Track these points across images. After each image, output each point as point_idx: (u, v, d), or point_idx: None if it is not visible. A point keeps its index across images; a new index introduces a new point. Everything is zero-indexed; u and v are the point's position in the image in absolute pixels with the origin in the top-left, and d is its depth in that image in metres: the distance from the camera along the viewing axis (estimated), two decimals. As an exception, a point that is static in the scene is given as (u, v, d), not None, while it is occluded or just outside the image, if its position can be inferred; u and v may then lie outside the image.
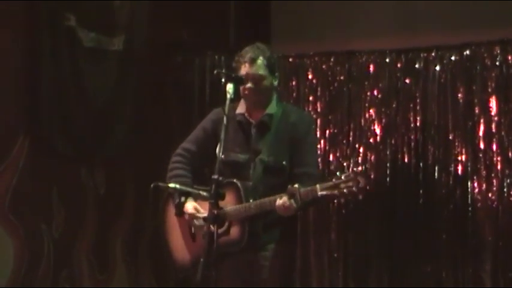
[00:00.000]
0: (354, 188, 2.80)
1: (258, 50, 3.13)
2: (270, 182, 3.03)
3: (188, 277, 3.16)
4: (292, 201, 2.89)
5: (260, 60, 3.09)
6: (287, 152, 3.10)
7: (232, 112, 3.16)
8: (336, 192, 2.83)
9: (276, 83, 3.17)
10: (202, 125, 3.28)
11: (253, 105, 3.15)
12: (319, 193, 2.85)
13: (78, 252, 4.40)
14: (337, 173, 2.86)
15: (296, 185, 2.90)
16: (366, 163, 4.56)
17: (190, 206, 3.12)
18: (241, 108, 3.19)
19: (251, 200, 3.01)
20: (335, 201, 4.63)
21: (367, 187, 2.80)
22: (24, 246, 4.11)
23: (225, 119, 2.92)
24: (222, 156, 2.88)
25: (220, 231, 2.97)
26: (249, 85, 3.09)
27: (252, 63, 3.08)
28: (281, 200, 2.92)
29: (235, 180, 3.05)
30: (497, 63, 4.29)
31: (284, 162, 3.08)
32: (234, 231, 3.03)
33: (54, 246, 4.25)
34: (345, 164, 4.57)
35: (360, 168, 2.96)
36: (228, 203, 3.02)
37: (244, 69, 3.10)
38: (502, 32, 4.29)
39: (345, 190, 2.81)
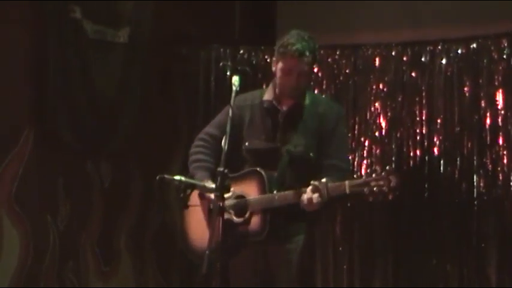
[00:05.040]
0: (384, 188, 2.71)
1: (305, 42, 2.95)
2: (296, 173, 2.94)
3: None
4: (316, 195, 2.80)
5: (308, 56, 2.93)
6: (315, 143, 2.99)
7: (259, 99, 3.07)
8: (365, 190, 2.73)
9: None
10: (227, 109, 3.09)
11: (287, 96, 3.04)
12: (348, 190, 2.76)
13: (84, 244, 4.41)
14: (368, 171, 2.78)
15: (324, 180, 2.80)
16: (371, 156, 4.55)
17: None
18: (268, 95, 3.07)
19: (275, 191, 2.92)
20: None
21: (398, 188, 2.67)
22: (29, 238, 4.12)
23: (230, 111, 2.88)
24: (247, 144, 2.79)
25: (240, 220, 2.95)
26: (293, 80, 2.95)
27: (300, 57, 2.92)
28: (306, 195, 2.81)
29: (259, 169, 2.95)
30: (504, 56, 4.27)
31: (311, 154, 2.98)
32: (255, 221, 2.94)
33: (59, 238, 4.25)
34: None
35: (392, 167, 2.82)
36: (251, 192, 2.95)
37: (289, 62, 2.94)
38: (509, 25, 4.26)
39: (375, 189, 2.71)
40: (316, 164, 2.98)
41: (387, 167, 2.78)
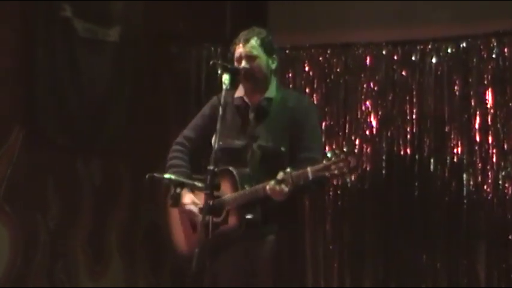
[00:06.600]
0: (345, 169, 2.76)
1: (253, 31, 3.11)
2: (268, 168, 2.96)
3: (188, 267, 3.11)
4: (282, 186, 2.84)
5: (254, 40, 3.07)
6: (286, 137, 3.04)
7: (231, 97, 3.12)
8: (327, 174, 2.79)
9: (273, 66, 3.12)
10: (201, 112, 3.25)
11: (250, 87, 3.10)
12: (311, 176, 2.81)
13: (74, 243, 4.40)
14: (328, 155, 2.81)
15: (288, 169, 2.85)
16: (362, 155, 4.56)
17: (187, 198, 3.08)
18: (239, 92, 3.13)
19: (246, 187, 2.97)
20: (330, 193, 4.65)
21: (359, 167, 2.75)
22: (19, 237, 4.11)
23: (220, 109, 2.91)
24: (220, 143, 2.84)
25: (218, 220, 2.97)
26: (243, 65, 3.06)
27: (246, 43, 3.07)
28: (269, 185, 2.87)
29: (230, 168, 3.00)
30: (494, 55, 4.29)
31: (283, 148, 3.02)
32: (232, 219, 2.99)
33: (49, 237, 4.24)
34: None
35: (349, 147, 2.88)
36: (225, 191, 2.99)
37: (238, 50, 3.09)
38: (499, 24, 4.29)
39: (336, 171, 2.78)
40: (287, 158, 3.02)
41: (344, 149, 2.82)
